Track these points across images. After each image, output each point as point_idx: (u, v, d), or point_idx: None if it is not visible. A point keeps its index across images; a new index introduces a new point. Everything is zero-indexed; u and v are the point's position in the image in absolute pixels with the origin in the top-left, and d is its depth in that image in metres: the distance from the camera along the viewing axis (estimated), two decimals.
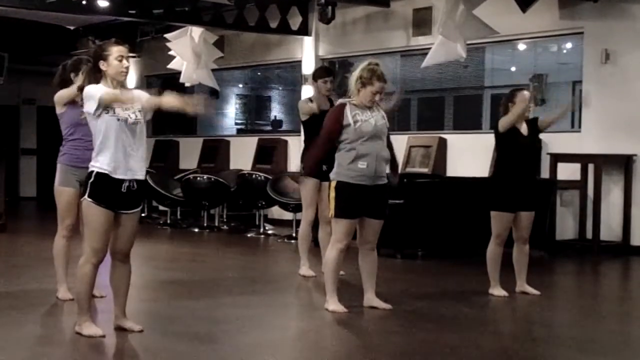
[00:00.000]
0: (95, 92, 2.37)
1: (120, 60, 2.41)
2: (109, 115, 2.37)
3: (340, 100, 2.92)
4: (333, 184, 2.91)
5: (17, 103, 9.08)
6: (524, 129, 3.26)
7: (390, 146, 2.96)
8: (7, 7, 5.52)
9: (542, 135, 3.38)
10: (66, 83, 2.92)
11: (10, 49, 7.66)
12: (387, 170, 2.94)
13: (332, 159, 2.95)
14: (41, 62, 7.58)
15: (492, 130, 3.46)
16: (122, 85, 2.44)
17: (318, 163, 3.08)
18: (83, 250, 2.49)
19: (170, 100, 2.37)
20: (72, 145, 2.90)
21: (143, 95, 2.47)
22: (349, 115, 2.84)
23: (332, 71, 3.90)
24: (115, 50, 2.41)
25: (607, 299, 3.69)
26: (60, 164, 2.94)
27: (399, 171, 3.20)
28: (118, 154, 2.37)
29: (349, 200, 2.86)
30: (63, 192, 2.91)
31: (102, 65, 2.41)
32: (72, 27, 6.87)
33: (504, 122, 3.22)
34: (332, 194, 2.89)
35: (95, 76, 2.43)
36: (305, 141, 3.70)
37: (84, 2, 5.69)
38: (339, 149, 2.89)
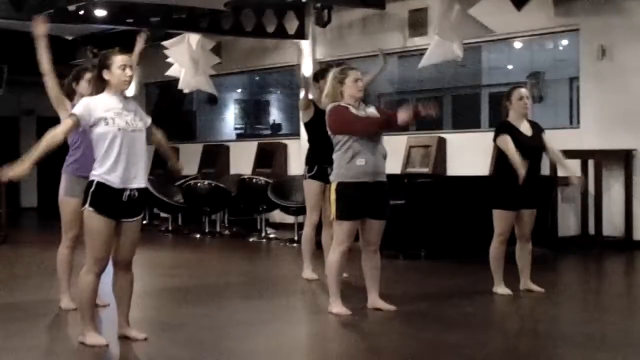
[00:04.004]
0: (81, 106, 2.40)
1: (123, 69, 2.42)
2: (109, 126, 2.39)
3: (333, 104, 2.90)
4: (333, 185, 2.91)
5: (16, 114, 9.10)
6: (524, 127, 3.24)
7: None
8: (6, 18, 5.55)
9: None
10: (72, 94, 2.92)
11: (10, 60, 7.67)
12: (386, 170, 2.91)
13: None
14: (40, 73, 7.59)
15: (492, 129, 3.45)
16: (124, 93, 2.46)
17: (394, 116, 2.75)
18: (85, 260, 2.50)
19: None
20: (78, 155, 2.89)
21: (145, 115, 2.49)
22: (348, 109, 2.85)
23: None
24: (119, 60, 2.43)
25: (611, 294, 3.68)
26: (66, 174, 2.93)
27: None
28: (119, 163, 2.38)
29: (350, 201, 2.85)
30: (69, 202, 2.90)
31: (106, 75, 2.43)
32: (70, 37, 6.90)
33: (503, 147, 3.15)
34: (333, 196, 2.89)
35: (100, 85, 2.45)
36: (308, 142, 3.69)
37: (81, 12, 5.72)
38: (336, 149, 2.89)
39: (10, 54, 7.35)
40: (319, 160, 3.56)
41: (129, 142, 2.39)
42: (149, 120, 2.51)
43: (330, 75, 2.92)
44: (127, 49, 2.70)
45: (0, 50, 7.21)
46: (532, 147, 3.24)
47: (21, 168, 2.33)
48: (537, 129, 3.29)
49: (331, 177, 2.93)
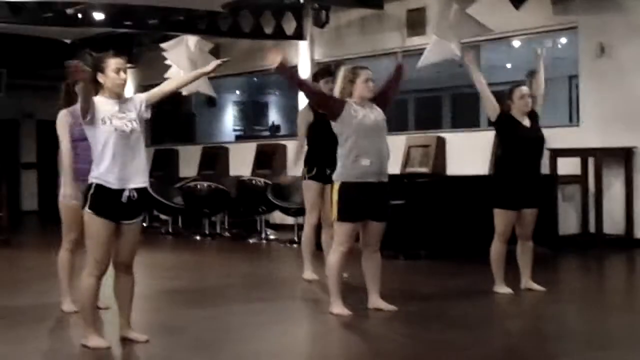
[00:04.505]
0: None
1: (118, 72, 2.43)
2: (106, 126, 2.39)
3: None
4: (336, 185, 2.89)
5: (16, 117, 9.12)
6: (526, 122, 3.26)
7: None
8: (4, 22, 5.55)
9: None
10: (72, 98, 2.93)
11: (9, 64, 7.70)
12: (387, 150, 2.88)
13: (335, 162, 2.93)
14: (39, 76, 7.61)
15: (491, 127, 3.47)
16: (119, 96, 2.46)
17: (298, 81, 2.97)
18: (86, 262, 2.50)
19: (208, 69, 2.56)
20: (76, 160, 2.90)
21: (139, 98, 2.49)
22: (350, 109, 2.85)
23: (330, 71, 3.90)
24: (113, 63, 2.43)
25: (613, 292, 3.68)
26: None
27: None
28: (116, 164, 2.38)
29: (353, 202, 2.85)
30: (68, 205, 2.92)
31: (100, 78, 2.43)
32: (68, 41, 6.91)
33: (486, 110, 3.24)
34: (335, 196, 2.87)
35: (94, 88, 2.45)
36: (308, 144, 3.69)
37: (79, 16, 5.72)
38: (340, 147, 2.87)
39: (9, 58, 7.37)
40: (319, 161, 3.56)
41: (126, 142, 2.39)
42: (142, 100, 2.44)
43: (341, 74, 2.91)
44: (123, 51, 2.69)
45: None
46: (533, 138, 3.25)
47: (86, 72, 2.31)
48: (534, 119, 3.29)
49: (334, 177, 2.91)
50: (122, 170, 2.38)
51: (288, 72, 3.01)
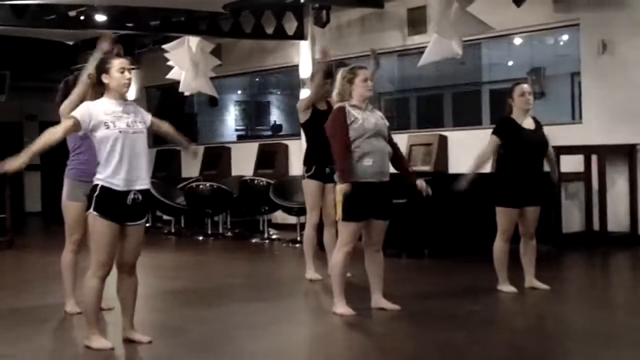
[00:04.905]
0: (81, 109, 2.43)
1: (122, 72, 2.44)
2: (109, 130, 2.40)
3: (338, 104, 2.93)
4: (339, 186, 2.90)
5: (20, 119, 9.16)
6: (528, 123, 3.25)
7: (396, 148, 2.97)
8: (7, 25, 5.58)
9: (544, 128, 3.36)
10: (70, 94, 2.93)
11: (12, 66, 7.74)
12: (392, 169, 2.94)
13: (333, 161, 2.95)
14: (42, 79, 7.65)
15: (493, 125, 3.46)
16: (123, 97, 2.47)
17: (346, 172, 2.89)
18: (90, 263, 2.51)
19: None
20: (79, 160, 2.91)
21: (148, 116, 2.51)
22: (351, 113, 2.86)
23: (330, 72, 3.91)
24: (117, 63, 2.44)
25: (617, 290, 3.68)
26: (68, 179, 2.96)
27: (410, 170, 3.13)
28: (122, 165, 2.39)
29: (357, 202, 2.85)
30: (71, 206, 2.93)
31: (105, 79, 2.44)
32: (71, 43, 6.94)
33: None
34: (339, 196, 2.88)
35: (99, 89, 2.47)
36: (306, 142, 3.70)
37: (81, 18, 5.75)
38: None
39: (12, 60, 7.42)
40: (317, 160, 3.56)
41: (131, 144, 2.40)
42: (149, 118, 2.52)
43: (340, 75, 2.92)
44: (125, 52, 2.71)
45: (2, 56, 7.27)
46: (535, 142, 3.24)
47: (17, 162, 2.33)
48: (539, 124, 3.29)
49: (336, 177, 2.92)
50: (129, 172, 2.40)
51: (346, 175, 2.84)
